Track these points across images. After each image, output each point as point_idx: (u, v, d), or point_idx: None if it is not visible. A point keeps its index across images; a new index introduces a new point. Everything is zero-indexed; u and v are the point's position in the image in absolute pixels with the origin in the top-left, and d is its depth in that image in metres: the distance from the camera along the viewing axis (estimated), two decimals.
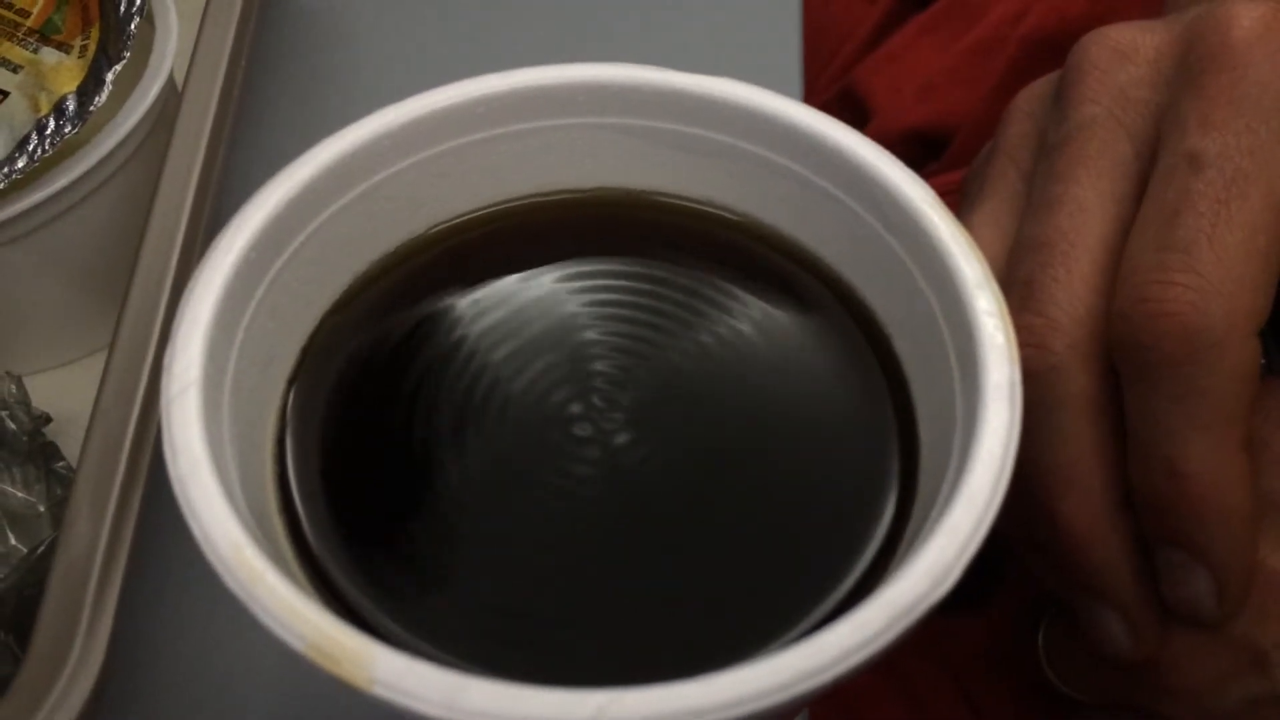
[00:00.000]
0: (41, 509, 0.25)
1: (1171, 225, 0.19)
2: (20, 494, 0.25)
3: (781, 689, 0.13)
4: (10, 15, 0.27)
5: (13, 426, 0.25)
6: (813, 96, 0.41)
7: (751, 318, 0.19)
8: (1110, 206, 0.20)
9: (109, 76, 0.26)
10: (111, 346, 0.23)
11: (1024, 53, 0.37)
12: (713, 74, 0.19)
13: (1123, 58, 0.22)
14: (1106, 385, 0.20)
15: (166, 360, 0.16)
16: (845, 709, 0.29)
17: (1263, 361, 0.19)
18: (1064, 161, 0.21)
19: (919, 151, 0.38)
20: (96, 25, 0.27)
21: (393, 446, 0.18)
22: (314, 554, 0.17)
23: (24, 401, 0.26)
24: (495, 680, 0.13)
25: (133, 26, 0.26)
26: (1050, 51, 0.36)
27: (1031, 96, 0.24)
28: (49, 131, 0.25)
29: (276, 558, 0.15)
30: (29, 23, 0.27)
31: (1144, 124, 0.21)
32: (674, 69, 0.19)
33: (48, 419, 0.26)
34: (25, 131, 0.25)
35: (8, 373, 0.26)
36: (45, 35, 0.27)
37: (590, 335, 0.19)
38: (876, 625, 0.14)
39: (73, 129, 0.25)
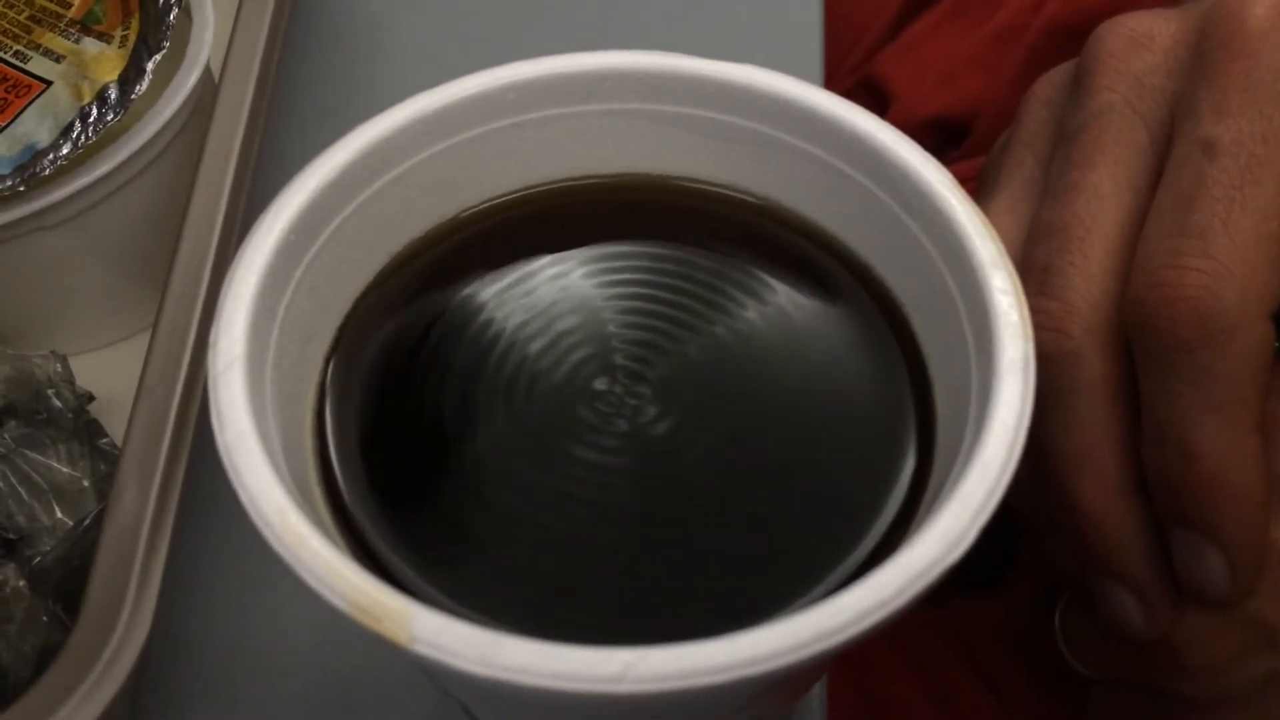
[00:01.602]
0: (86, 484, 0.26)
1: (1186, 211, 0.19)
2: (66, 469, 0.26)
3: (801, 647, 0.14)
4: (52, 6, 0.28)
5: (58, 404, 0.26)
6: (833, 85, 0.41)
7: (773, 297, 0.20)
8: (1126, 193, 0.21)
9: (149, 66, 0.26)
10: (155, 327, 0.23)
11: (1044, 41, 0.37)
12: (736, 61, 0.19)
13: (1139, 46, 0.22)
14: (1122, 368, 0.20)
15: (212, 337, 0.17)
16: (863, 686, 0.30)
17: (1277, 345, 0.20)
18: (1081, 149, 0.21)
19: (939, 139, 0.38)
20: (136, 16, 0.28)
21: (426, 419, 0.18)
22: (352, 521, 0.17)
23: (69, 380, 0.27)
24: (529, 638, 0.14)
25: (171, 17, 0.27)
26: (1070, 39, 0.36)
27: (1048, 84, 0.24)
28: (92, 119, 0.26)
29: (318, 524, 0.16)
30: (71, 14, 0.28)
31: (1159, 111, 0.21)
32: (698, 56, 0.20)
33: (91, 397, 0.27)
34: (69, 119, 0.26)
35: (53, 352, 0.27)
36: (86, 26, 0.28)
37: (616, 314, 0.19)
38: (893, 588, 0.14)
39: (115, 116, 0.26)
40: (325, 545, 0.15)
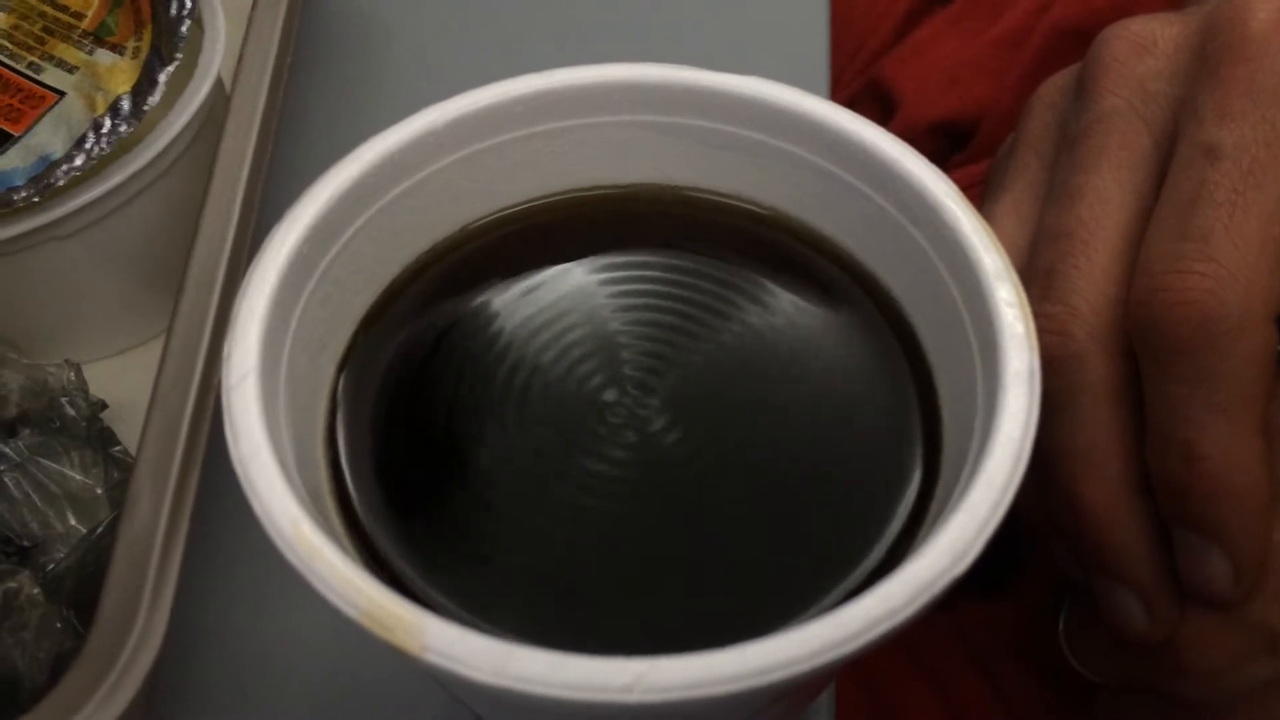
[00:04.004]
0: (99, 491, 0.26)
1: (1189, 215, 0.20)
2: (79, 477, 0.26)
3: (809, 658, 0.14)
4: (65, 18, 0.28)
5: (72, 412, 0.26)
6: (840, 89, 0.41)
7: (780, 308, 0.20)
8: (1130, 197, 0.21)
9: (162, 77, 0.26)
10: (168, 336, 0.23)
11: (1049, 44, 0.37)
12: (743, 68, 0.20)
13: (1142, 50, 0.22)
14: (1126, 371, 0.20)
15: (226, 349, 0.17)
16: (870, 691, 0.30)
17: (1279, 348, 0.20)
18: (1084, 153, 0.22)
19: (945, 143, 0.38)
20: (149, 27, 0.28)
21: (437, 430, 0.19)
22: (365, 531, 0.18)
23: (82, 388, 0.27)
24: (540, 648, 0.14)
25: (184, 29, 0.27)
26: (1075, 42, 0.36)
27: (1053, 88, 0.24)
28: (105, 130, 0.26)
29: (330, 535, 0.16)
30: (84, 25, 0.28)
31: (1163, 115, 0.21)
32: (705, 64, 0.20)
33: (104, 405, 0.27)
34: (83, 130, 0.26)
35: (66, 361, 0.27)
36: (99, 37, 0.28)
37: (624, 325, 0.20)
38: (900, 599, 0.14)
39: (128, 127, 0.26)
40: (338, 555, 0.15)
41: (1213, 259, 0.19)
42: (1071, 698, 0.27)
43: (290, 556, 0.15)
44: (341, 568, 0.15)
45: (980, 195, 0.24)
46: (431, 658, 0.14)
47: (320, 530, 0.15)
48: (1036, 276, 0.21)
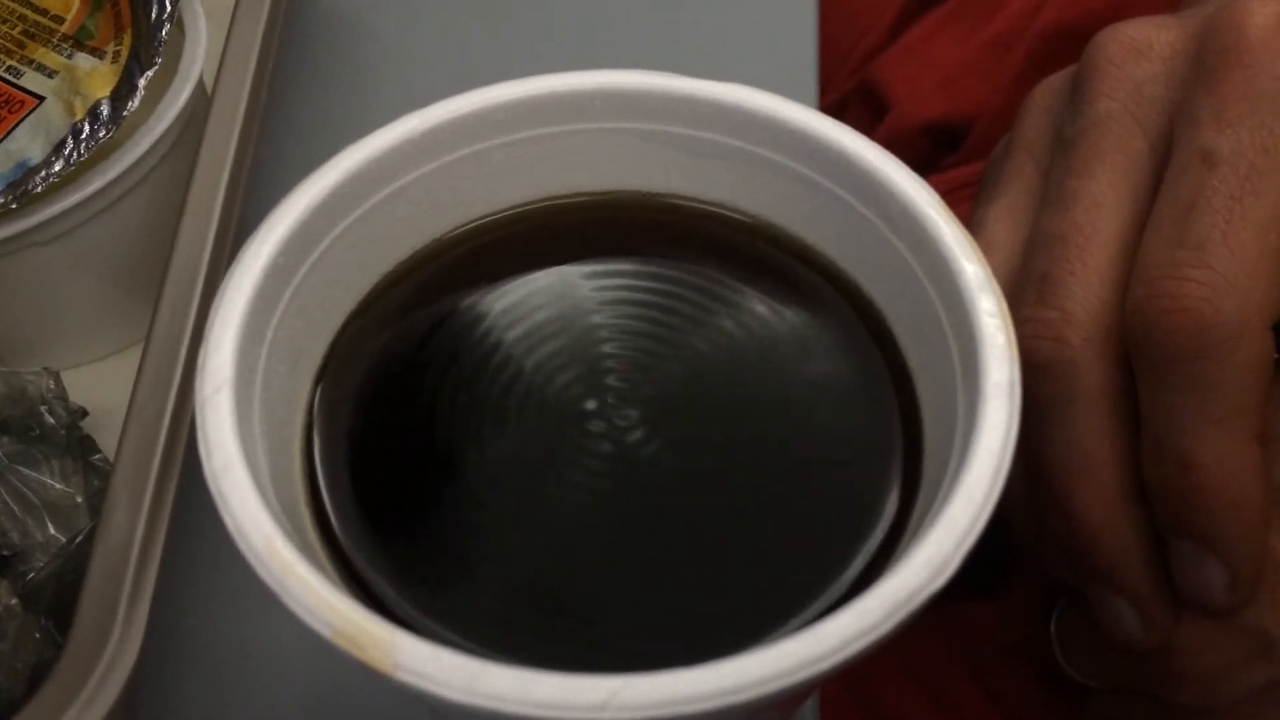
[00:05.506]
0: (79, 500, 0.26)
1: (1186, 221, 0.19)
2: (59, 485, 0.26)
3: (784, 675, 0.14)
4: (45, 22, 0.28)
5: (51, 420, 0.26)
6: (832, 90, 0.41)
7: (761, 317, 0.19)
8: (1126, 202, 0.21)
9: (141, 81, 0.26)
10: (146, 343, 0.23)
11: (1042, 45, 0.37)
12: (730, 69, 0.19)
13: (1138, 54, 0.22)
14: (1121, 378, 0.20)
15: (200, 360, 0.17)
16: (861, 695, 0.30)
17: (1276, 356, 0.20)
18: (1080, 157, 0.21)
19: (937, 144, 0.38)
20: (128, 31, 0.27)
21: (415, 442, 0.18)
22: (340, 545, 0.17)
23: (61, 396, 0.27)
24: (513, 666, 0.14)
25: (164, 33, 0.27)
26: (1068, 44, 0.36)
27: (1047, 91, 0.24)
28: (84, 135, 0.26)
29: (305, 549, 0.16)
30: (63, 29, 0.28)
31: (1159, 120, 0.21)
32: (693, 67, 0.20)
33: (84, 413, 0.27)
34: (61, 135, 0.26)
35: (46, 368, 0.27)
36: (79, 41, 0.28)
37: (605, 334, 0.19)
38: (877, 615, 0.14)
39: (107, 133, 0.26)
40: (311, 572, 0.15)
41: (1209, 266, 0.19)
42: (1065, 698, 0.27)
43: (263, 573, 0.15)
44: (315, 585, 0.15)
45: (973, 198, 0.24)
46: (403, 676, 0.14)
47: (294, 546, 0.15)
48: (1031, 281, 0.21)
